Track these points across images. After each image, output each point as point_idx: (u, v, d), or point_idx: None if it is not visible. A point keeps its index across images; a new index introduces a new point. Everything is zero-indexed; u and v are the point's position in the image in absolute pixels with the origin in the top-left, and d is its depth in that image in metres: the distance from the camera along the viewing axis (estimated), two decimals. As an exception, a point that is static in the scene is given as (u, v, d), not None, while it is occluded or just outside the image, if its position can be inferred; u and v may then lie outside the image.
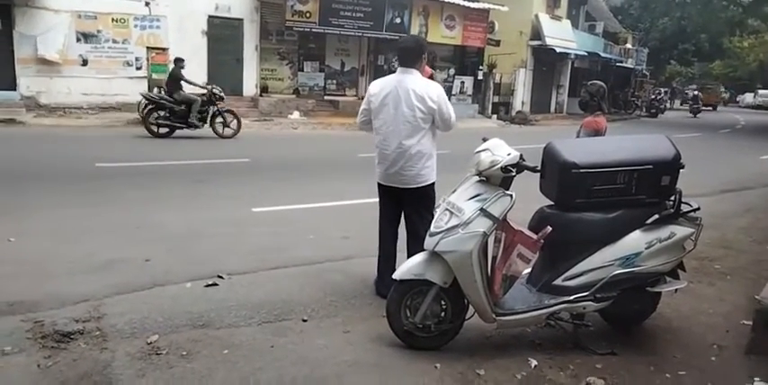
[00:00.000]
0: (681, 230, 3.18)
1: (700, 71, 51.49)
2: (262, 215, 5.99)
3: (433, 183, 3.73)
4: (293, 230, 5.45)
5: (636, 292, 3.23)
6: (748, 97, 48.75)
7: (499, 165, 2.96)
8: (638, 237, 3.13)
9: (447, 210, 3.05)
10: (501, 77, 22.35)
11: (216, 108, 11.61)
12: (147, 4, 14.59)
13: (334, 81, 18.63)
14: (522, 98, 23.43)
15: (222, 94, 11.71)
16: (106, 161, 8.28)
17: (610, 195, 3.18)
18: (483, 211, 2.93)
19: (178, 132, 11.47)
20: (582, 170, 3.12)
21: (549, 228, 2.99)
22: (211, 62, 15.74)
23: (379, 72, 18.00)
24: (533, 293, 3.25)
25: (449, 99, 3.69)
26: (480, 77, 21.20)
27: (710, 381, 2.97)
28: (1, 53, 13.19)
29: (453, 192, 3.13)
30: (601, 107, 4.97)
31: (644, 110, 31.15)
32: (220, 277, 4.06)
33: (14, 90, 13.43)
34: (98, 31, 14.23)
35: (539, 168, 3.24)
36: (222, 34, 15.94)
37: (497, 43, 21.67)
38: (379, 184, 3.83)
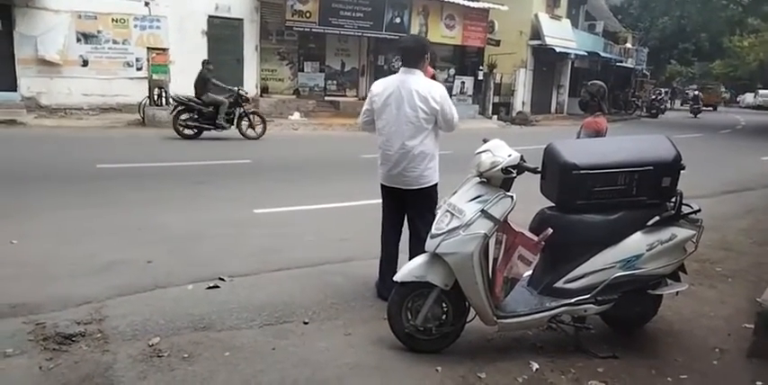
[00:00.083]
0: (682, 232, 3.18)
1: (700, 71, 51.47)
2: (263, 216, 5.99)
3: (436, 184, 3.73)
4: (294, 232, 5.45)
5: (637, 295, 3.23)
6: (749, 97, 48.72)
7: (500, 167, 2.96)
8: (640, 239, 3.13)
9: (448, 211, 3.05)
10: (501, 77, 22.34)
11: (242, 109, 11.85)
12: (146, 4, 14.59)
13: (335, 81, 18.63)
14: (522, 98, 23.43)
15: (248, 96, 12.01)
16: (107, 162, 8.28)
17: (610, 197, 3.18)
18: (484, 213, 2.93)
19: (206, 133, 11.64)
20: (582, 171, 3.11)
21: (550, 230, 3.00)
22: (212, 62, 15.64)
23: (379, 72, 18.00)
24: (534, 296, 3.25)
25: (449, 99, 3.69)
26: (480, 77, 21.19)
27: (712, 385, 2.97)
28: (1, 54, 13.19)
29: (454, 193, 3.13)
30: (601, 107, 4.96)
31: (644, 110, 31.15)
32: (222, 279, 4.06)
33: (15, 91, 13.44)
34: (98, 32, 14.24)
35: (539, 169, 3.23)
36: (222, 34, 15.94)
37: (497, 43, 21.67)
38: (382, 185, 3.82)
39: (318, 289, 3.99)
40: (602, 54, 27.28)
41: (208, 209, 6.15)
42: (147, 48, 13.66)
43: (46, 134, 11.17)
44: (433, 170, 3.70)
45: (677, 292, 3.40)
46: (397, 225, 3.87)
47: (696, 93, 35.83)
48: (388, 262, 3.82)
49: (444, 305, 3.10)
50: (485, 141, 3.16)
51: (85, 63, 14.19)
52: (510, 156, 3.00)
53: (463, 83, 20.77)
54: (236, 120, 11.77)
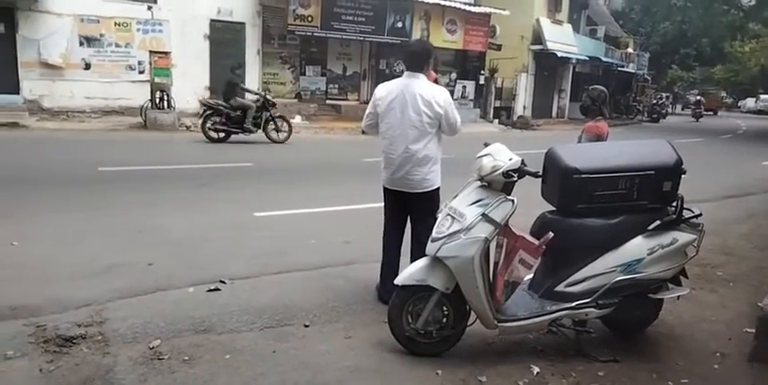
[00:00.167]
0: (683, 236, 3.18)
1: (701, 76, 51.52)
2: (264, 219, 5.99)
3: (438, 188, 3.74)
4: (295, 235, 5.45)
5: (638, 299, 3.22)
6: (750, 102, 48.81)
7: (501, 171, 2.96)
8: (640, 244, 3.13)
9: (449, 215, 3.05)
10: (502, 82, 22.38)
11: (269, 114, 12.04)
12: (149, 7, 14.64)
13: (336, 85, 18.67)
14: (523, 103, 23.46)
15: (275, 101, 12.25)
16: (109, 165, 8.29)
17: (611, 201, 3.18)
18: (485, 217, 2.93)
19: (233, 137, 11.82)
20: (583, 175, 3.12)
21: (551, 234, 3.00)
22: (213, 66, 15.79)
23: (381, 76, 18.03)
24: (535, 299, 3.24)
25: (451, 103, 3.70)
26: (482, 82, 21.23)
27: (713, 389, 2.96)
28: (4, 57, 13.24)
29: (455, 197, 3.14)
30: (602, 112, 4.96)
31: (645, 115, 31.20)
32: (222, 282, 4.06)
33: (18, 94, 13.49)
34: (101, 35, 14.29)
35: (540, 173, 3.24)
36: (224, 38, 16.00)
37: (499, 47, 21.73)
38: (385, 188, 3.83)
39: (319, 292, 3.99)
40: (604, 59, 27.32)
41: (209, 211, 6.16)
42: (150, 51, 13.72)
43: (48, 137, 11.20)
44: (436, 174, 3.71)
45: (678, 296, 3.39)
46: (399, 228, 3.88)
47: (698, 97, 36.17)
48: (390, 265, 3.82)
49: (445, 308, 3.10)
50: (486, 145, 3.17)
51: (88, 66, 14.24)
52: (511, 160, 3.00)
53: (464, 87, 20.81)
54: (262, 124, 12.00)
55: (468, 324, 3.13)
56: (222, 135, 11.76)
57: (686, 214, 3.20)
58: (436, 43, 18.48)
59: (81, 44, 14.08)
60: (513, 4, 20.57)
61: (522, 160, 3.04)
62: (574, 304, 3.12)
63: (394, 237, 3.87)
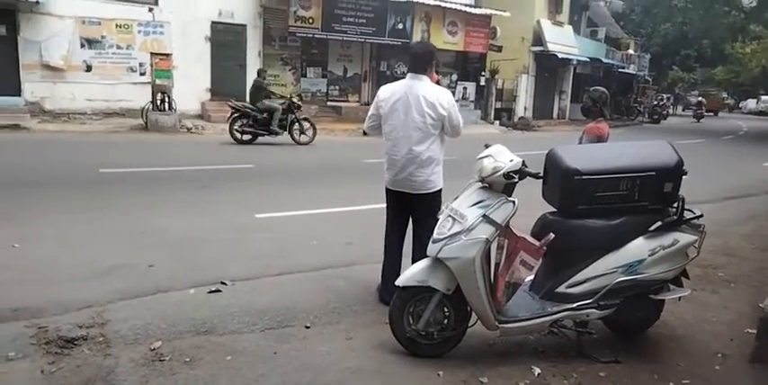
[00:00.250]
0: (684, 237, 3.18)
1: (702, 77, 51.53)
2: (265, 221, 5.99)
3: (441, 189, 3.74)
4: (296, 236, 5.45)
5: (639, 300, 3.22)
6: (751, 103, 48.79)
7: (502, 172, 2.96)
8: (642, 245, 3.13)
9: (450, 216, 3.06)
10: (503, 83, 22.40)
11: (294, 116, 12.25)
12: (150, 9, 14.65)
13: (337, 87, 18.68)
14: (524, 104, 23.47)
15: (300, 103, 12.49)
16: (110, 167, 8.30)
17: (612, 202, 3.18)
18: (486, 218, 2.93)
19: (260, 139, 12.04)
20: (584, 176, 3.12)
21: (552, 235, 3.00)
22: (215, 68, 15.83)
23: (381, 78, 18.05)
24: (536, 300, 3.25)
25: (452, 105, 3.71)
26: (483, 83, 21.25)
27: (714, 390, 2.96)
28: (5, 59, 13.25)
29: (456, 198, 3.14)
30: (603, 113, 4.96)
31: (646, 116, 31.18)
32: (223, 283, 4.06)
33: (19, 96, 13.49)
34: (102, 37, 14.30)
35: (541, 175, 3.24)
36: (225, 40, 16.01)
37: (499, 49, 21.73)
38: (388, 190, 3.83)
39: (320, 293, 3.99)
40: (605, 60, 27.34)
41: (210, 213, 6.16)
42: (151, 53, 13.72)
43: (49, 139, 11.21)
44: (439, 175, 3.72)
45: (680, 297, 3.39)
46: (401, 229, 3.88)
47: (699, 98, 36.35)
48: (391, 266, 3.82)
49: (446, 309, 3.10)
50: (487, 146, 3.17)
51: (89, 68, 14.25)
52: (512, 161, 3.01)
53: (465, 88, 20.82)
54: (288, 127, 12.17)
55: (470, 325, 3.13)
56: (248, 137, 11.99)
57: (687, 215, 3.21)
58: (437, 45, 18.21)
59: (82, 46, 14.09)
60: (513, 6, 20.59)
61: (523, 161, 3.05)
62: (575, 305, 3.12)
63: (396, 238, 3.88)
